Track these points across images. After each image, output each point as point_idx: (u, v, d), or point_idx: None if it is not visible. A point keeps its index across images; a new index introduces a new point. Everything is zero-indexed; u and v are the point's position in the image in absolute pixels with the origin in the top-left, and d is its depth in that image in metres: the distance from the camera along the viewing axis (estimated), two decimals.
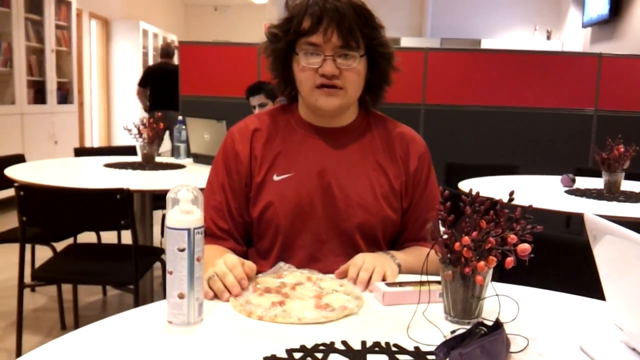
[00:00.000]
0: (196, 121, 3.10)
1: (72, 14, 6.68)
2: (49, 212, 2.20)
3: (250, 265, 1.10)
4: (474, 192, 0.95)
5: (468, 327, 0.86)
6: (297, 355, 0.83)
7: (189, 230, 0.91)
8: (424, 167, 1.36)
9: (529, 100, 4.42)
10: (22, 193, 2.09)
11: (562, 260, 1.59)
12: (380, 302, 1.05)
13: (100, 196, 2.15)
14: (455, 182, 2.69)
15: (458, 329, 0.88)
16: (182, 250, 0.91)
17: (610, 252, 0.87)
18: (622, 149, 2.47)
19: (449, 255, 0.94)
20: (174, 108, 4.77)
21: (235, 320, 0.95)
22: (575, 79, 4.42)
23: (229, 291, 1.03)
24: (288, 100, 1.39)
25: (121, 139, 8.56)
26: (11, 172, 2.54)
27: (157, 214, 2.91)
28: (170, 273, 0.92)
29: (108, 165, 2.87)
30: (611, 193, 2.49)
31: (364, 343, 0.88)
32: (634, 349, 0.88)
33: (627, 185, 2.63)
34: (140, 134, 2.89)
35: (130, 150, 3.51)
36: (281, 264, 1.20)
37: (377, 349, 0.86)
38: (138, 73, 8.93)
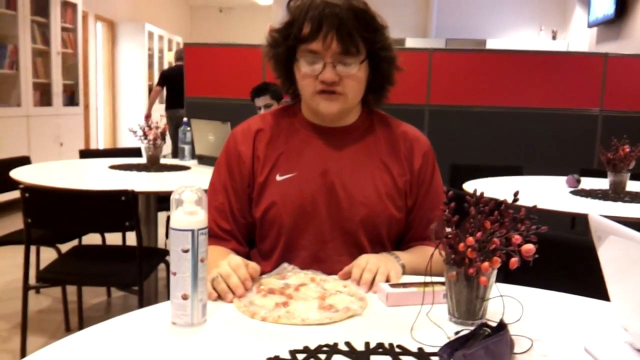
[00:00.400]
0: (201, 123, 3.10)
1: (77, 16, 6.71)
2: (54, 213, 2.21)
3: (254, 266, 1.10)
4: (478, 193, 0.95)
5: (472, 328, 0.86)
6: (300, 356, 0.83)
7: (192, 231, 0.91)
8: (428, 165, 1.35)
9: (534, 100, 4.40)
10: (27, 195, 2.10)
11: (566, 261, 1.58)
12: (384, 303, 1.05)
13: (105, 198, 2.15)
14: (459, 183, 2.68)
15: (462, 330, 0.88)
16: (186, 251, 0.91)
17: (615, 253, 0.87)
18: (628, 150, 2.46)
19: (453, 256, 0.94)
20: None
21: (239, 321, 0.95)
22: (580, 79, 4.40)
23: (232, 292, 1.03)
24: (292, 98, 1.39)
25: (127, 141, 8.60)
26: (17, 174, 2.55)
27: (162, 216, 2.91)
28: (174, 274, 0.92)
29: (113, 167, 2.88)
30: (616, 193, 2.48)
31: (367, 344, 0.88)
32: (638, 350, 0.87)
33: (632, 186, 2.62)
34: (145, 135, 2.90)
35: (135, 152, 3.53)
36: (285, 264, 1.20)
37: (380, 350, 0.86)
38: (144, 75, 9.00)
